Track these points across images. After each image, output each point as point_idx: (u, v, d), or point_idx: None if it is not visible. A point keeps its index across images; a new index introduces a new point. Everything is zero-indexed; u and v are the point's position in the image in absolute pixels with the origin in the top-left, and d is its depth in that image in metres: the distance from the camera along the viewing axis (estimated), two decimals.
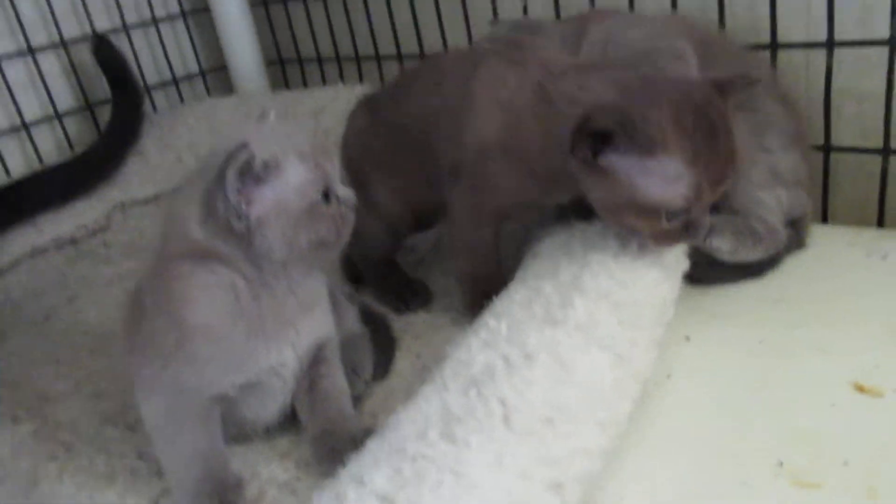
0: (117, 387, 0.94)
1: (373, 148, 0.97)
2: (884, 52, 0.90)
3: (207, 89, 1.81)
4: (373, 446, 0.55)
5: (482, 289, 0.84)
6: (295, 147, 0.66)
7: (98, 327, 1.13)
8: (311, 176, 0.66)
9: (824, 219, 1.01)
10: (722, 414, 0.68)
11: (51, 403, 0.94)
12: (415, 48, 1.44)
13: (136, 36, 1.67)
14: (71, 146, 1.57)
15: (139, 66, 1.66)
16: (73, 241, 1.41)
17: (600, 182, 0.71)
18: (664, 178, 0.68)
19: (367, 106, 1.01)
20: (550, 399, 0.57)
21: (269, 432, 0.78)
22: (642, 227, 0.72)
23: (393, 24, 1.46)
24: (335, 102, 1.47)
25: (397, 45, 1.47)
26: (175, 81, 1.75)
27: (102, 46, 1.51)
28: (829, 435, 0.63)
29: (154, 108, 1.70)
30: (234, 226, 0.63)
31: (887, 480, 0.57)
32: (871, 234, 0.91)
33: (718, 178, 0.69)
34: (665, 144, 0.67)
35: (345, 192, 0.70)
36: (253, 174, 0.62)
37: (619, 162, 0.69)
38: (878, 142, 0.94)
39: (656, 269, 0.75)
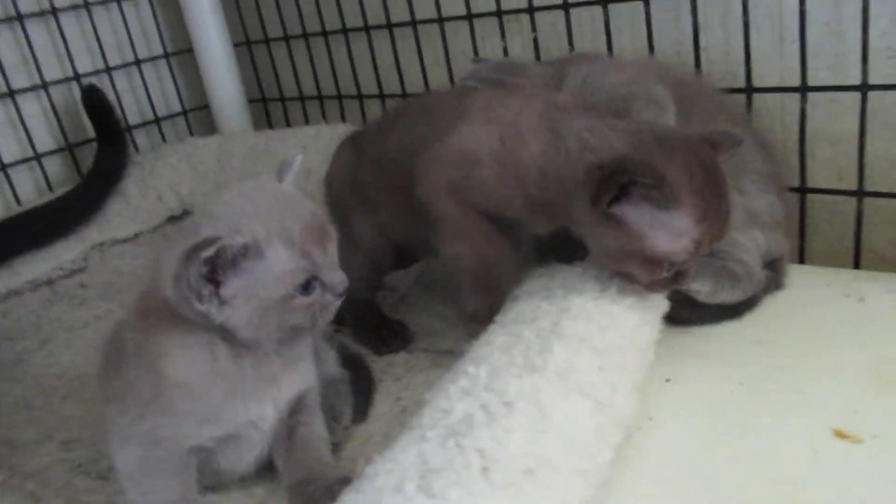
0: (90, 433, 0.92)
1: (357, 183, 0.98)
2: (856, 96, 0.91)
3: (190, 128, 1.81)
4: (348, 499, 0.53)
5: (485, 287, 0.83)
6: (285, 228, 0.64)
7: (71, 371, 1.11)
8: (293, 266, 0.63)
9: (801, 260, 1.02)
10: (703, 460, 0.67)
11: (20, 452, 0.92)
12: (397, 87, 1.45)
13: (119, 76, 1.67)
14: (50, 188, 1.56)
15: (121, 107, 1.66)
16: (50, 283, 1.39)
17: (609, 230, 0.72)
18: (674, 232, 0.70)
19: (353, 143, 1.02)
20: (530, 449, 0.56)
21: (245, 480, 0.77)
22: (641, 275, 0.73)
23: (375, 64, 1.47)
24: (317, 141, 1.47)
25: (379, 85, 1.49)
26: (157, 121, 1.75)
27: (92, 95, 1.51)
28: (811, 483, 0.62)
29: (136, 147, 1.70)
30: (196, 307, 0.61)
31: None
32: (847, 276, 0.91)
33: (719, 234, 0.73)
34: (680, 200, 0.69)
35: (334, 277, 0.67)
36: (226, 259, 0.61)
37: (632, 212, 0.70)
38: (852, 183, 0.95)
39: (637, 312, 0.75)
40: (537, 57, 1.21)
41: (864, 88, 0.90)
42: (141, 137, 1.73)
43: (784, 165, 0.94)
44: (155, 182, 1.55)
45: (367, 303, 1.03)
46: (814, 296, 0.88)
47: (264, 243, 0.62)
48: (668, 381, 0.79)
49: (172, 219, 1.57)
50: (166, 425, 0.66)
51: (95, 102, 1.51)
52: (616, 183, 0.69)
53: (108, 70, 1.64)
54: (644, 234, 0.70)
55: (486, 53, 1.28)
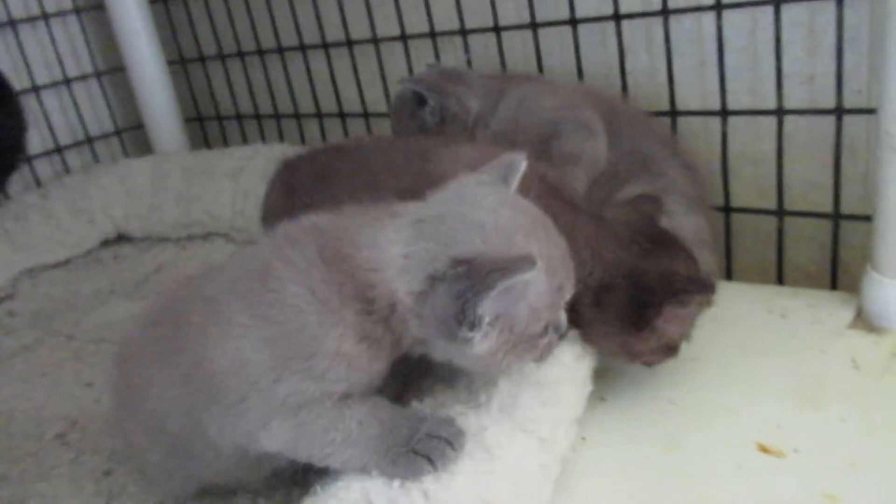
0: (18, 470, 0.90)
1: None
2: (774, 119, 0.96)
3: (124, 148, 1.77)
4: None
5: None
6: (549, 255, 0.55)
7: None
8: (549, 301, 0.56)
9: (728, 276, 1.06)
10: (636, 477, 0.69)
11: None
12: (334, 107, 1.45)
13: (48, 95, 1.63)
14: None
15: (50, 128, 1.61)
16: None
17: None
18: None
19: (284, 184, 0.96)
20: (477, 490, 0.57)
21: (270, 488, 0.75)
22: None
23: (311, 83, 1.47)
24: (254, 161, 1.46)
25: (317, 104, 1.48)
26: (90, 141, 1.70)
27: None
28: (736, 497, 0.64)
29: (67, 169, 1.65)
30: (452, 332, 0.53)
31: None
32: (770, 292, 0.95)
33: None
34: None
35: (563, 320, 0.61)
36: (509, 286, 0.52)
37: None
38: (773, 203, 0.99)
39: (577, 345, 0.74)
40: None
41: (779, 113, 0.95)
42: (73, 158, 1.68)
43: (708, 186, 0.98)
44: (86, 205, 1.51)
45: None
46: (739, 312, 0.91)
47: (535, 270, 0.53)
48: (602, 399, 0.80)
49: (106, 242, 1.53)
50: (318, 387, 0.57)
51: None
52: (648, 317, 0.70)
53: (35, 89, 1.60)
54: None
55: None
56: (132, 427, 0.70)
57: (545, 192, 0.72)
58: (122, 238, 1.56)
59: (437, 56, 1.25)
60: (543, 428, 0.64)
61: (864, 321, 0.84)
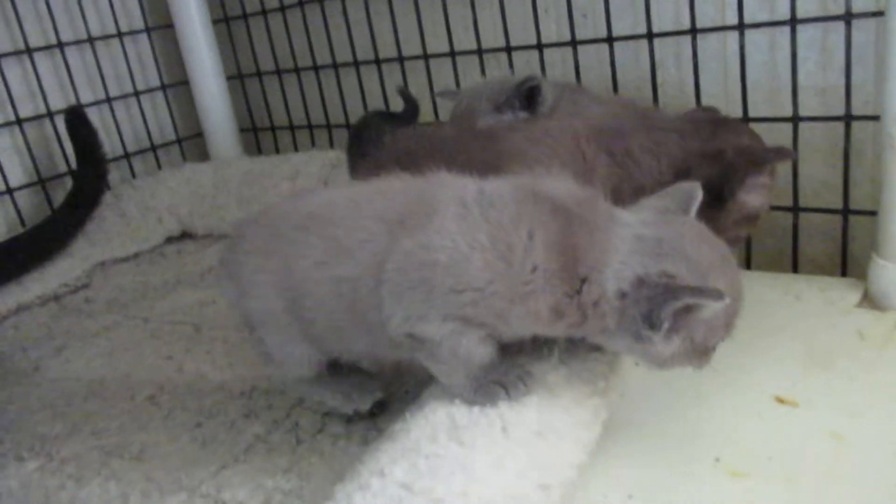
0: (117, 423, 1.01)
1: None
2: (790, 126, 1.07)
3: (184, 156, 1.91)
4: (386, 447, 0.65)
5: None
6: (734, 290, 0.65)
7: (88, 375, 1.18)
8: (725, 322, 0.67)
9: (748, 266, 1.17)
10: (670, 421, 0.80)
11: (52, 443, 0.99)
12: None
13: (119, 107, 1.78)
14: (23, 223, 1.64)
15: (120, 135, 1.76)
16: (57, 298, 1.47)
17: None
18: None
19: (370, 164, 1.03)
20: (539, 418, 0.68)
21: (272, 451, 0.87)
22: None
23: (363, 95, 1.60)
24: (309, 166, 1.60)
25: None
26: (154, 148, 1.85)
27: (74, 117, 1.59)
28: (756, 437, 0.75)
29: (133, 173, 1.80)
30: (638, 331, 0.64)
31: (802, 472, 0.69)
32: (786, 279, 1.06)
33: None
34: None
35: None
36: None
37: None
38: (789, 201, 1.11)
39: None
40: None
41: (795, 120, 1.06)
42: (137, 164, 1.83)
43: None
44: (155, 204, 1.66)
45: None
46: (758, 296, 1.02)
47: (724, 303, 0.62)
48: (636, 364, 0.91)
49: (170, 239, 1.67)
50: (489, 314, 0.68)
51: (78, 122, 1.58)
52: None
53: (109, 100, 1.75)
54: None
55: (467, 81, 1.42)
56: (266, 307, 0.81)
57: (592, 135, 0.87)
58: (184, 235, 1.69)
59: (482, 71, 1.39)
60: (597, 377, 0.75)
61: (869, 301, 0.95)
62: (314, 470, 0.83)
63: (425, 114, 1.51)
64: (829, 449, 0.72)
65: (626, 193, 0.85)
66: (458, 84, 1.43)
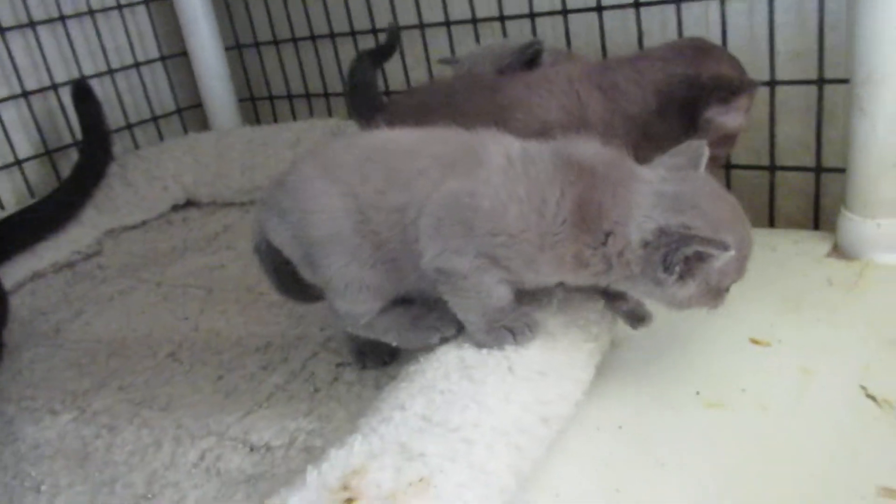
0: (142, 379, 1.08)
1: None
2: (766, 89, 1.14)
3: (184, 126, 1.96)
4: (404, 385, 0.73)
5: None
6: (742, 245, 0.72)
7: (109, 335, 1.24)
8: (735, 268, 0.74)
9: None
10: (655, 361, 0.87)
11: (82, 397, 1.06)
12: (381, 86, 1.63)
13: (120, 78, 1.82)
14: (32, 193, 1.69)
15: (122, 106, 1.80)
16: (70, 265, 1.53)
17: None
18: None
19: (388, 116, 1.07)
20: (541, 359, 0.76)
21: (291, 398, 0.95)
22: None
23: None
24: (310, 133, 1.65)
25: None
26: (154, 119, 1.89)
27: (80, 90, 1.63)
28: (732, 373, 0.83)
29: (136, 143, 1.84)
30: (654, 273, 0.71)
31: (772, 402, 0.78)
32: (763, 233, 1.13)
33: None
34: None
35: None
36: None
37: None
38: (766, 160, 1.18)
39: None
40: None
41: (772, 84, 1.13)
42: (139, 134, 1.87)
43: None
44: (160, 173, 1.71)
45: None
46: None
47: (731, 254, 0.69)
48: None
49: (176, 207, 1.73)
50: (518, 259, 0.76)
51: (83, 96, 1.63)
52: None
53: (110, 72, 1.79)
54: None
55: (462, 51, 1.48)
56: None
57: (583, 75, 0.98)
58: (189, 203, 1.75)
59: (477, 40, 1.44)
60: (591, 324, 0.83)
61: (838, 251, 1.03)
62: (332, 413, 0.91)
63: (421, 82, 1.57)
64: (798, 381, 0.80)
65: (617, 124, 0.94)
66: (453, 53, 1.48)
